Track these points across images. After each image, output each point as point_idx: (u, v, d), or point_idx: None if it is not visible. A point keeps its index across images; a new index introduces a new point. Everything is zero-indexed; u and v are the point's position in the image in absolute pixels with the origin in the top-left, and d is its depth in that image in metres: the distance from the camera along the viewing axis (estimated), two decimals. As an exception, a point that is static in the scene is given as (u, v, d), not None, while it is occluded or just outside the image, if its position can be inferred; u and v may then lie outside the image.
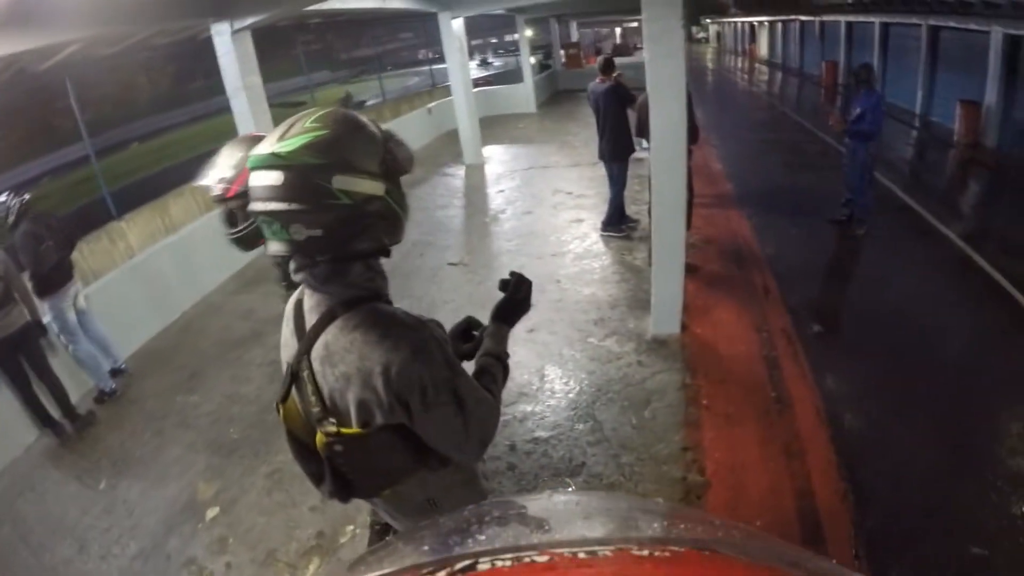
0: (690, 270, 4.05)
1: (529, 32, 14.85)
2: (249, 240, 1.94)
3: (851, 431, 3.16)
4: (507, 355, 1.40)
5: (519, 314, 1.47)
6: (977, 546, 2.41)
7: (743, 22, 30.21)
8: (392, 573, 0.55)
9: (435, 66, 14.77)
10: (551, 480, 2.93)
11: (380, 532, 2.63)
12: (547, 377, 3.81)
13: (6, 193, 4.02)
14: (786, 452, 3.03)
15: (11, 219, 3.95)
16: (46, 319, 4.13)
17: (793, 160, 9.19)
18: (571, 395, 3.59)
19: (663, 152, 3.53)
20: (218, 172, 1.88)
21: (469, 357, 1.40)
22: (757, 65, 26.02)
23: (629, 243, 5.70)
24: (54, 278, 4.05)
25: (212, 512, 3.15)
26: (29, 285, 3.99)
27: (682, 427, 3.20)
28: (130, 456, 3.76)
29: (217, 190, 1.87)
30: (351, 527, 2.82)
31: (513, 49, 20.67)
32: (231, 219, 1.94)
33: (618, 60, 5.68)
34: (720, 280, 4.95)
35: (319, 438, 1.12)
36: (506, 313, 1.45)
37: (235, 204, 1.89)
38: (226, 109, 4.79)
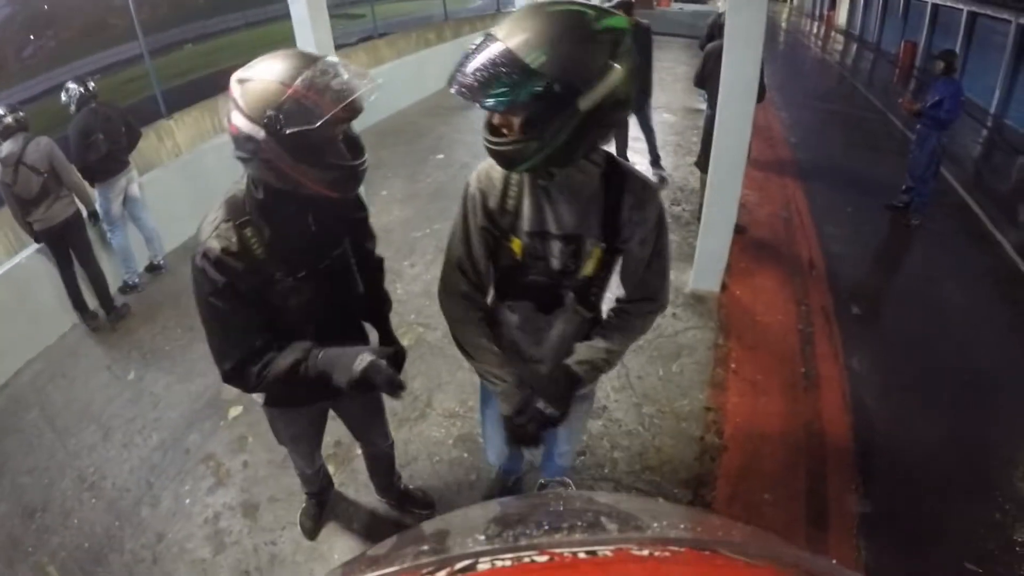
0: (737, 231, 3.94)
1: (604, -36, 14.11)
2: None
3: (873, 421, 3.10)
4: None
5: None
6: (972, 563, 2.37)
7: (825, -14, 28.46)
8: (392, 573, 0.55)
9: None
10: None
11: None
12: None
13: (72, 81, 4.06)
14: (806, 430, 3.01)
15: (72, 107, 4.02)
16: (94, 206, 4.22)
17: (857, 137, 8.76)
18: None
19: (730, 106, 3.37)
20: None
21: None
22: (833, 33, 24.62)
23: (680, 194, 5.56)
24: (101, 168, 4.11)
25: (235, 411, 3.24)
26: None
27: (707, 387, 3.18)
28: (160, 350, 3.87)
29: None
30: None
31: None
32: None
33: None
34: (767, 246, 4.83)
35: None
36: None
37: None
38: (283, 16, 4.69)
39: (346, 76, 1.25)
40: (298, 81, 1.21)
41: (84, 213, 4.02)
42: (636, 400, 3.08)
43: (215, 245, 1.33)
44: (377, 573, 0.57)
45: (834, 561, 0.62)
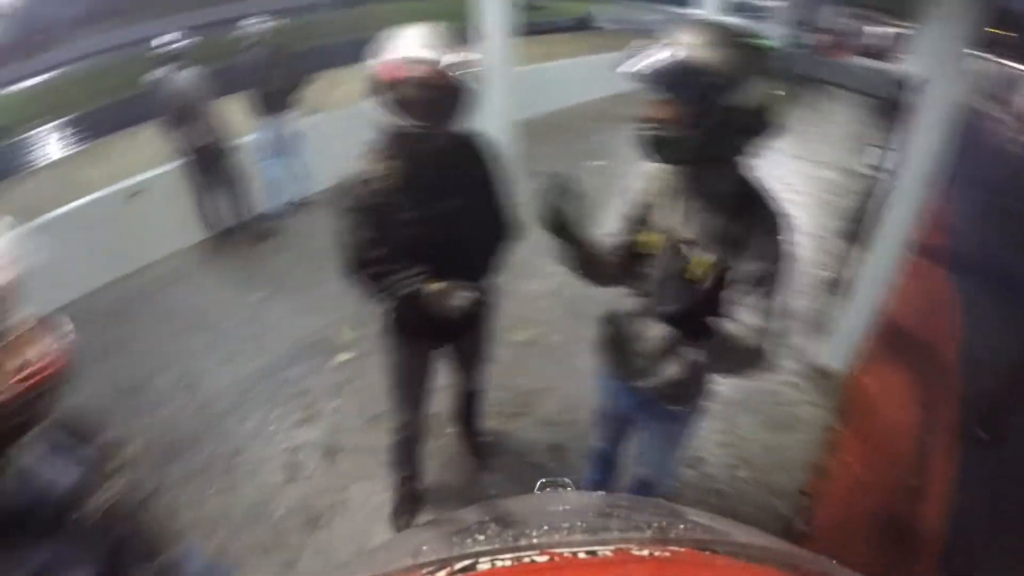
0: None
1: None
2: None
3: (967, 554, 2.73)
4: None
5: None
6: None
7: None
8: (392, 573, 0.55)
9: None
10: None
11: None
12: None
13: (253, 19, 4.36)
14: (899, 544, 2.72)
15: (247, 43, 4.33)
16: (251, 136, 4.53)
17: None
18: (719, 387, 3.37)
19: (908, 178, 3.13)
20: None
21: None
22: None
23: (828, 258, 5.12)
24: (269, 103, 4.40)
25: (344, 356, 3.30)
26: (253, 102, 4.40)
27: (810, 469, 2.95)
28: (288, 280, 4.00)
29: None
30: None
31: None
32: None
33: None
34: (906, 337, 4.39)
35: None
36: None
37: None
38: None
39: None
40: None
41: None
42: (734, 461, 2.91)
43: (363, 166, 1.68)
44: (377, 573, 0.57)
45: (834, 562, 0.55)
